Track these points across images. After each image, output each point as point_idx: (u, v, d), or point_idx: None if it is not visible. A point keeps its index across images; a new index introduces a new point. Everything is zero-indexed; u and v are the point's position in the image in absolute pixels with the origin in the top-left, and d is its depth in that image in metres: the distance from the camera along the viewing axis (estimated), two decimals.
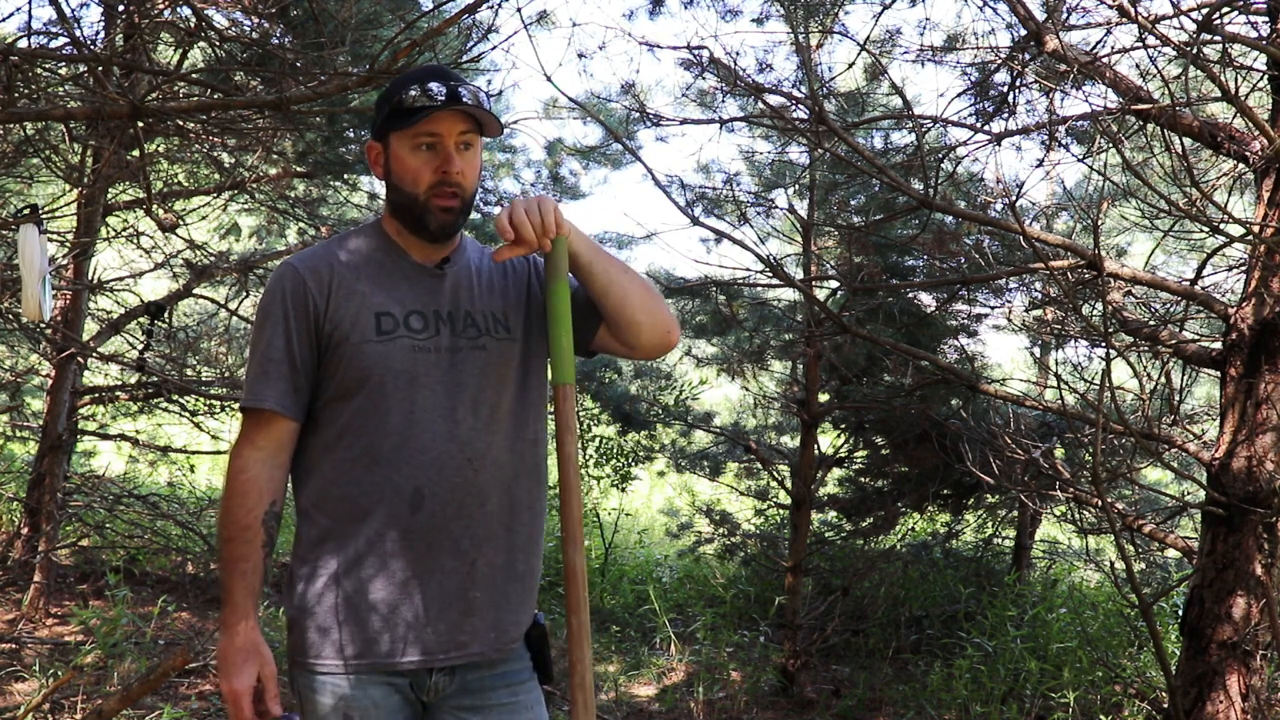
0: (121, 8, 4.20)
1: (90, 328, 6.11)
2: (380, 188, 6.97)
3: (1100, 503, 3.51)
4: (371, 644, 1.68)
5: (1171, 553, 5.48)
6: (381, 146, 1.75)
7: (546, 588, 6.50)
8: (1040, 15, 3.68)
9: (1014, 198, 3.72)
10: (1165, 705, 3.83)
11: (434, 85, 1.68)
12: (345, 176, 6.31)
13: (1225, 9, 3.10)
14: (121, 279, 6.08)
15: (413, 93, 1.68)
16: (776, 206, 5.85)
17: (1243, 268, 3.91)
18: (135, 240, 6.03)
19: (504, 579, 1.74)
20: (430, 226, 1.72)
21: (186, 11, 3.79)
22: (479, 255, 1.85)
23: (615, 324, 1.77)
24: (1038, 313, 5.75)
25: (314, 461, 1.73)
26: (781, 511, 6.45)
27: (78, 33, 3.83)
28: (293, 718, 1.71)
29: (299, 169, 5.89)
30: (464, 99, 1.67)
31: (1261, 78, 3.57)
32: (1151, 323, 4.07)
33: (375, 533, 1.68)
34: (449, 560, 1.69)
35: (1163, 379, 4.05)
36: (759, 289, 5.70)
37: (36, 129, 4.39)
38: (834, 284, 5.78)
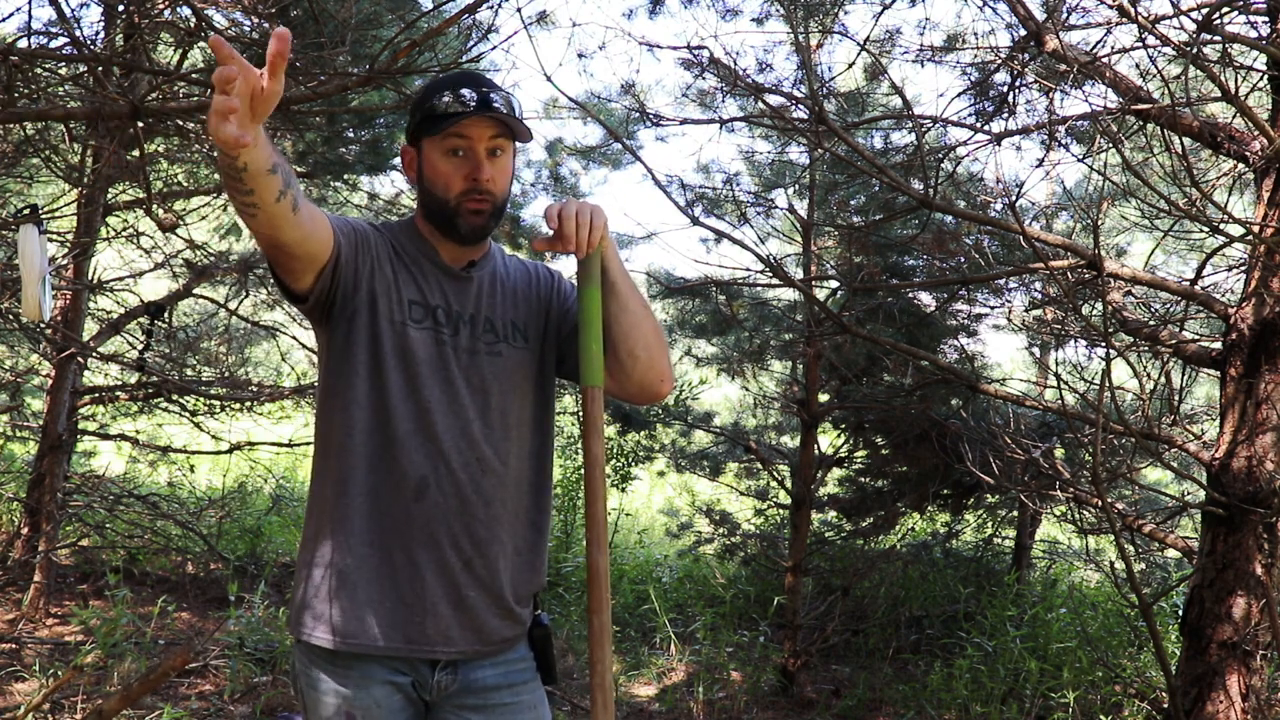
0: (121, 8, 4.20)
1: (90, 328, 6.11)
2: (379, 187, 7.01)
3: (1100, 503, 3.52)
4: (361, 624, 1.68)
5: (1171, 553, 5.48)
6: (415, 151, 1.77)
7: (546, 588, 6.50)
8: (1040, 15, 3.68)
9: (1014, 198, 3.72)
10: (1165, 705, 3.83)
11: (466, 91, 1.68)
12: (345, 176, 6.31)
13: (1225, 9, 3.10)
14: (121, 279, 6.08)
15: (445, 98, 1.69)
16: (776, 206, 5.85)
17: (1243, 268, 3.91)
18: (135, 240, 6.02)
19: (500, 584, 1.74)
20: (461, 230, 1.74)
21: (186, 11, 3.79)
22: (505, 264, 1.87)
23: (614, 352, 1.76)
24: (1038, 313, 5.75)
25: (341, 433, 1.72)
26: (781, 511, 6.45)
27: (78, 33, 3.83)
28: (294, 718, 1.72)
29: (299, 169, 5.89)
30: (494, 105, 1.68)
31: (1261, 78, 3.57)
32: (1151, 323, 4.07)
33: (377, 511, 1.69)
34: (449, 554, 1.70)
35: (1163, 379, 4.05)
36: (759, 289, 5.70)
37: (36, 129, 4.39)
38: (834, 284, 5.78)
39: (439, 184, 1.73)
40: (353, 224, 1.74)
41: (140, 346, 5.61)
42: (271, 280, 5.96)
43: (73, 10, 4.67)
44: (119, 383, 6.22)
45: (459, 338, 1.75)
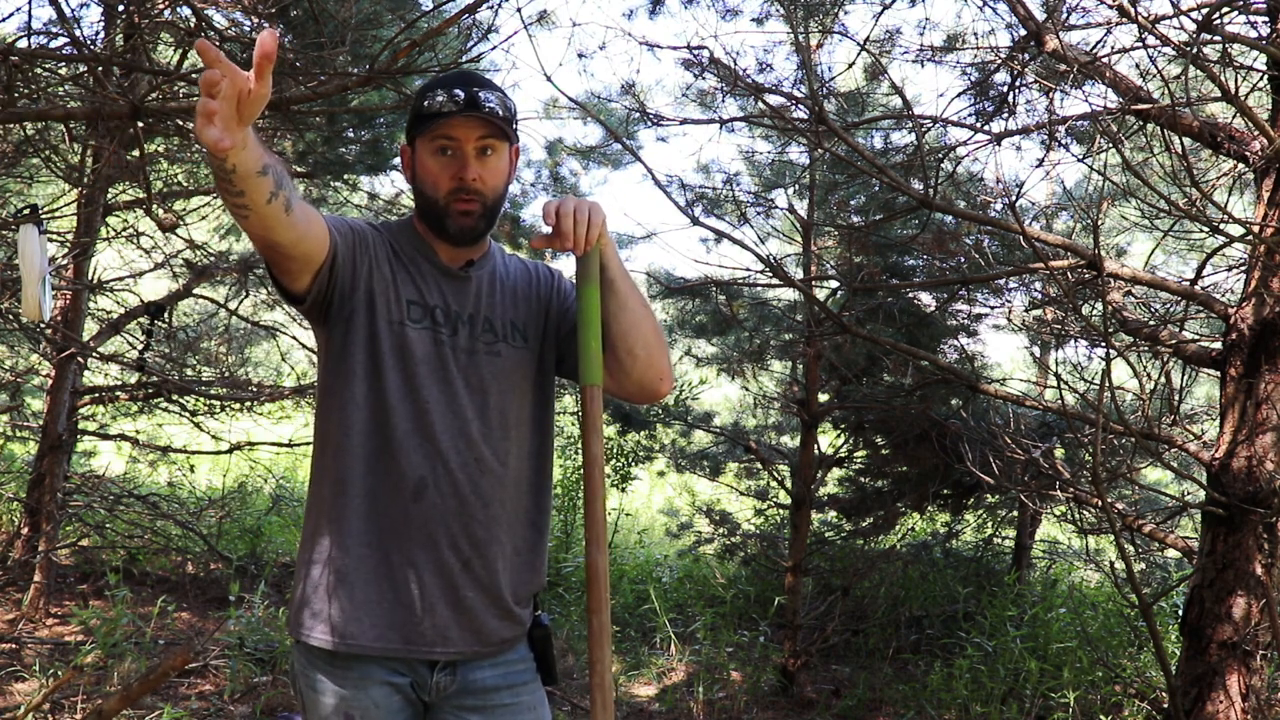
0: (121, 8, 4.20)
1: (90, 328, 6.11)
2: (379, 187, 7.01)
3: (1100, 503, 3.52)
4: (359, 624, 1.68)
5: (1171, 553, 5.48)
6: (411, 150, 1.77)
7: (546, 588, 6.50)
8: (1040, 15, 3.68)
9: (1014, 198, 3.72)
10: (1165, 705, 3.83)
11: (456, 90, 1.68)
12: (345, 176, 6.31)
13: (1225, 9, 3.10)
14: (121, 279, 6.09)
15: (438, 98, 1.68)
16: (776, 206, 5.85)
17: (1243, 268, 3.92)
18: (135, 240, 6.03)
19: (499, 585, 1.74)
20: (450, 230, 1.74)
21: (186, 11, 3.79)
22: (505, 264, 1.86)
23: (613, 350, 1.76)
24: (1038, 313, 5.75)
25: (340, 434, 1.72)
26: (781, 511, 6.45)
27: (78, 33, 3.83)
28: (294, 718, 1.72)
29: (299, 169, 5.89)
30: (483, 104, 1.67)
31: (1261, 78, 3.57)
32: (1151, 323, 4.07)
33: (375, 512, 1.69)
34: (447, 555, 1.69)
35: (1163, 379, 4.05)
36: (759, 289, 5.70)
37: (36, 129, 4.39)
38: (834, 284, 5.78)
39: (428, 183, 1.73)
40: (351, 224, 1.74)
41: (140, 346, 5.61)
42: (269, 281, 5.96)
43: (73, 10, 4.68)
44: (119, 383, 6.22)
45: (457, 337, 1.75)
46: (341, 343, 1.72)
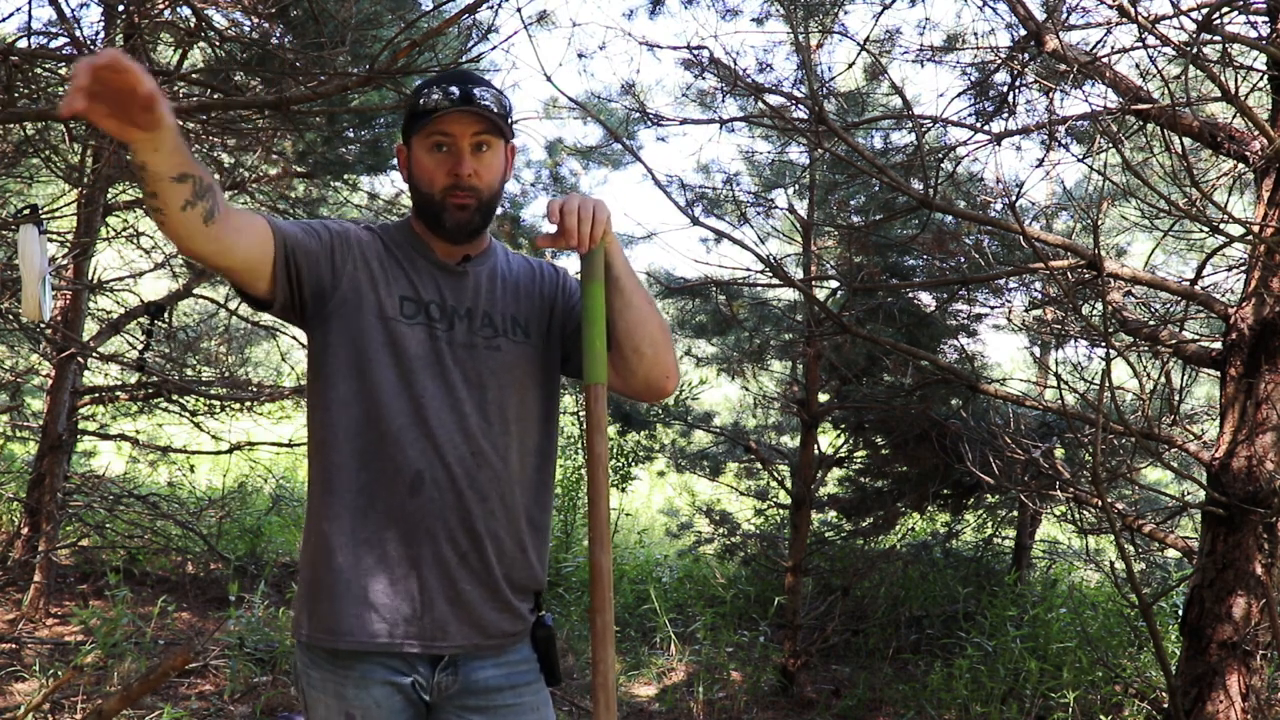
0: (121, 8, 4.20)
1: (90, 328, 6.11)
2: (379, 187, 7.01)
3: (1100, 503, 3.52)
4: (359, 621, 1.68)
5: (1171, 553, 5.48)
6: (406, 149, 1.77)
7: (547, 587, 6.49)
8: (1040, 15, 3.68)
9: (1014, 198, 3.72)
10: (1165, 705, 3.83)
11: (451, 87, 1.68)
12: (345, 176, 6.31)
13: (1225, 9, 3.10)
14: (121, 279, 6.09)
15: (433, 95, 1.69)
16: (776, 206, 5.85)
17: (1243, 268, 3.92)
18: (135, 240, 6.03)
19: (496, 578, 1.73)
20: (446, 225, 1.74)
21: (186, 11, 3.79)
22: (508, 260, 1.86)
23: (618, 348, 1.75)
24: (1038, 313, 5.75)
25: (326, 432, 1.72)
26: (781, 511, 6.45)
27: (78, 33, 3.83)
28: (294, 718, 1.72)
29: (299, 169, 5.89)
30: (477, 100, 1.68)
31: (1261, 78, 3.57)
32: (1151, 323, 4.08)
33: (373, 508, 1.69)
34: (445, 549, 1.69)
35: (1163, 379, 4.06)
36: (759, 289, 5.70)
37: (36, 129, 4.39)
38: (834, 284, 5.79)
39: (424, 179, 1.73)
40: (328, 225, 1.74)
41: (140, 346, 5.60)
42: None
43: (73, 10, 4.67)
44: (119, 383, 6.22)
45: (454, 332, 1.74)
46: (323, 342, 1.72)
